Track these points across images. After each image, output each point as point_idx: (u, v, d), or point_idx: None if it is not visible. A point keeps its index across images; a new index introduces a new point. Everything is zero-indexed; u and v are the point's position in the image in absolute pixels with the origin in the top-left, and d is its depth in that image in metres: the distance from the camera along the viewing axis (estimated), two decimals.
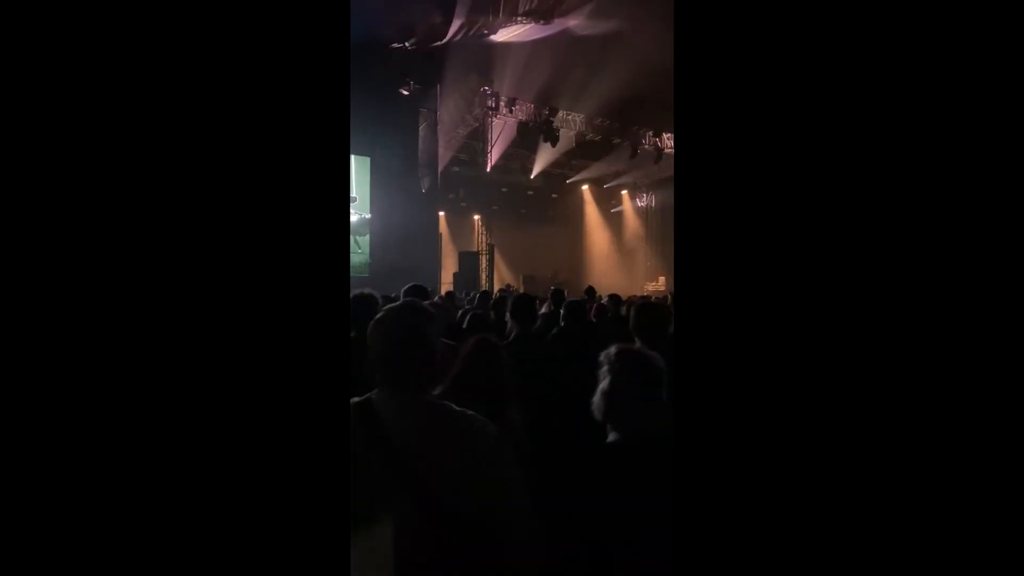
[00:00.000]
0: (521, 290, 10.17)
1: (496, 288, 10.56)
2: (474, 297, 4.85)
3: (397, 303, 1.14)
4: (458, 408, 1.04)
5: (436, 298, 4.42)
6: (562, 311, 2.95)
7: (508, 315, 2.62)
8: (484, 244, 12.57)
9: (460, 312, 3.44)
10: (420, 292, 2.52)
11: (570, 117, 11.99)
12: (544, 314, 3.41)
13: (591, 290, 6.05)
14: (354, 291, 2.11)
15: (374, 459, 0.94)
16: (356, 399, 1.03)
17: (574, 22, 10.21)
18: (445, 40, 10.19)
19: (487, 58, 10.97)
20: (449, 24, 9.86)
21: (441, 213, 13.02)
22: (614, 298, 4.34)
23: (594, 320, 3.68)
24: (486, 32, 10.40)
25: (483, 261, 12.09)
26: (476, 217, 13.56)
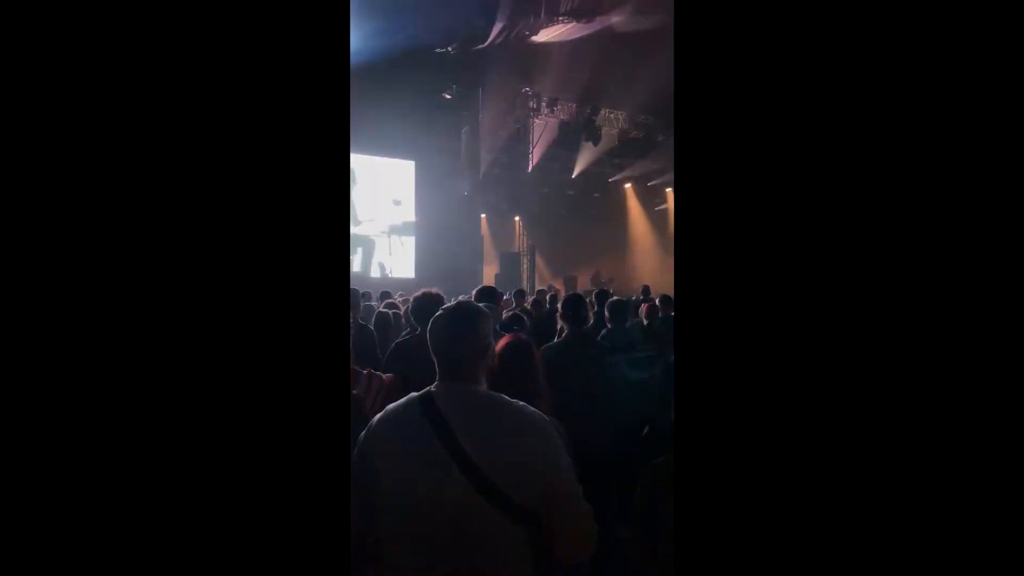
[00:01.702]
0: (562, 291, 10.13)
1: (536, 289, 10.55)
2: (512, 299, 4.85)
3: (452, 303, 1.22)
4: (508, 398, 1.09)
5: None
6: (606, 312, 2.91)
7: (559, 316, 2.61)
8: (525, 245, 12.59)
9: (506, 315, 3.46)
10: (490, 294, 2.60)
11: (612, 115, 11.84)
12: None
13: (647, 290, 6.05)
14: (421, 291, 2.20)
15: (433, 446, 0.99)
16: (417, 393, 1.10)
17: (616, 19, 10.08)
18: (487, 43, 10.28)
19: (528, 60, 10.99)
20: (491, 27, 9.94)
21: (483, 215, 13.14)
22: (665, 299, 4.27)
23: (646, 321, 3.61)
24: (528, 34, 10.42)
25: (524, 262, 12.11)
26: (517, 218, 13.61)
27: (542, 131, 12.34)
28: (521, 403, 1.09)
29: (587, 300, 2.73)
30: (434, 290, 2.22)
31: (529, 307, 4.08)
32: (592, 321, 2.88)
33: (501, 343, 1.60)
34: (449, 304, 1.20)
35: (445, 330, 1.11)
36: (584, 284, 12.15)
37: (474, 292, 2.68)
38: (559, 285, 11.37)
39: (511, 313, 2.79)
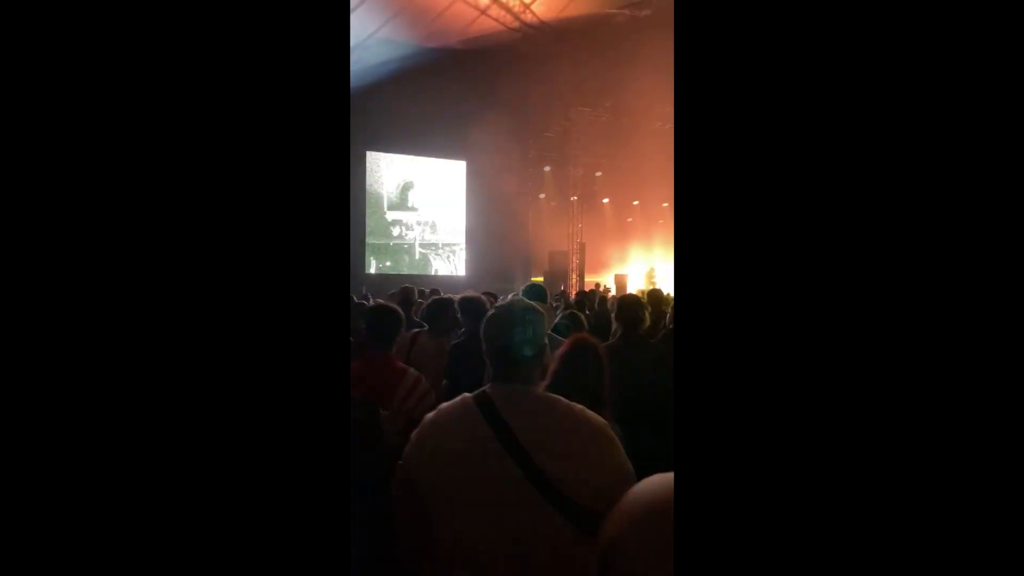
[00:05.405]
0: (612, 290, 9.94)
1: (584, 287, 10.44)
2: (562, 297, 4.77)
3: (508, 300, 1.19)
4: (567, 401, 1.05)
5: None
6: (669, 313, 2.82)
7: (613, 317, 2.55)
8: (575, 243, 12.48)
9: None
10: (540, 292, 2.59)
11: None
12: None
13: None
14: (462, 293, 2.24)
15: (493, 448, 0.97)
16: (471, 394, 1.07)
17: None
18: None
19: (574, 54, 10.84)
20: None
21: (530, 211, 13.14)
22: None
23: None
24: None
25: (573, 260, 12.01)
26: (566, 215, 13.50)
27: (588, 124, 12.17)
28: (579, 406, 1.05)
29: (643, 301, 2.65)
30: (471, 293, 2.26)
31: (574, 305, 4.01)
32: (649, 322, 2.79)
33: (567, 343, 1.56)
34: (503, 302, 1.18)
35: (500, 329, 1.08)
36: (636, 282, 11.90)
37: (521, 290, 2.68)
38: (607, 283, 11.19)
39: (568, 312, 2.76)
